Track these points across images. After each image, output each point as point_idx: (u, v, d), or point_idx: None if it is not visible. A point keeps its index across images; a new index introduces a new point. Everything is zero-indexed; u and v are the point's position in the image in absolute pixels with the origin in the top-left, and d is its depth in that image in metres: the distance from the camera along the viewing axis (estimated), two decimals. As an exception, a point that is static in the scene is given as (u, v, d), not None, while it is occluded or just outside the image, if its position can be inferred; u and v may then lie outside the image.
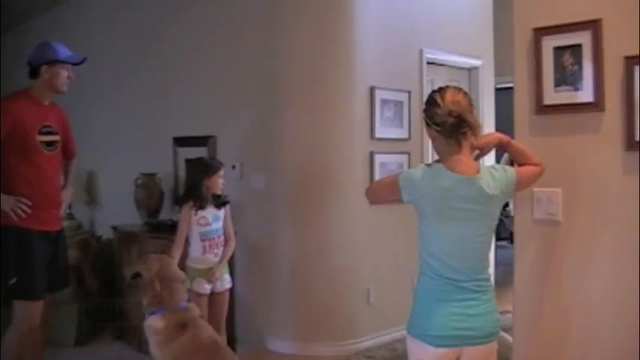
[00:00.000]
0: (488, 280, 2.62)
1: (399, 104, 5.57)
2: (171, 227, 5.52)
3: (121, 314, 5.71)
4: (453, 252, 2.53)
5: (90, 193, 7.32)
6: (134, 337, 5.56)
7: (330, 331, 5.29)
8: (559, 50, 2.92)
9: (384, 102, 5.46)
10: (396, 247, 5.55)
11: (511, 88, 7.61)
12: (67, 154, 4.43)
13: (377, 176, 5.39)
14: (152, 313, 3.70)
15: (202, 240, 4.47)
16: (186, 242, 4.52)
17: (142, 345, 5.44)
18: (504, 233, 8.97)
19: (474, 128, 2.52)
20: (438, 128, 2.52)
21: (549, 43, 2.94)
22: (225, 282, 4.61)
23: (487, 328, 2.56)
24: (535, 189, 2.96)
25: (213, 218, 4.51)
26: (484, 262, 2.62)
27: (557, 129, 2.95)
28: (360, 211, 5.33)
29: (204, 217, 4.47)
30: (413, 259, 5.68)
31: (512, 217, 10.01)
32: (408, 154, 5.70)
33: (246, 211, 5.34)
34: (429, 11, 5.94)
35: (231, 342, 5.01)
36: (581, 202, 2.90)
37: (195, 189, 4.50)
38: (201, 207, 4.46)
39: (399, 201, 2.63)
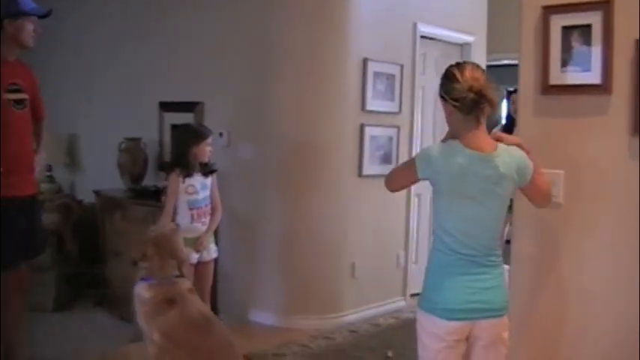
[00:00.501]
0: (499, 255, 2.61)
1: (391, 77, 5.52)
2: (155, 194, 5.47)
3: (102, 281, 5.62)
4: (467, 229, 2.51)
5: (71, 156, 7.19)
6: (115, 305, 5.50)
7: (313, 304, 5.27)
8: (567, 30, 2.85)
9: (377, 75, 5.39)
10: (383, 222, 5.53)
11: (503, 65, 7.63)
12: (36, 116, 4.18)
13: (366, 149, 5.36)
14: (142, 279, 3.61)
15: (190, 209, 4.39)
16: (173, 211, 4.44)
17: (123, 313, 5.39)
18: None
19: (494, 104, 2.50)
20: (457, 104, 2.48)
21: (558, 22, 2.87)
22: (212, 251, 4.55)
23: (499, 302, 2.56)
24: (537, 170, 2.91)
25: (201, 186, 4.44)
26: (496, 238, 2.59)
27: (563, 110, 2.89)
28: (349, 183, 5.32)
29: (192, 185, 4.39)
30: (399, 234, 5.75)
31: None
32: (398, 127, 5.66)
33: (232, 180, 5.26)
34: (423, -16, 5.85)
35: (214, 313, 4.95)
36: (583, 185, 2.86)
37: (182, 156, 4.41)
38: (189, 175, 4.37)
39: (417, 181, 2.62)
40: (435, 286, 2.54)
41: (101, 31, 6.81)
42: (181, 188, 4.37)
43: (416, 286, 5.83)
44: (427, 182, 2.58)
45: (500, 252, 2.62)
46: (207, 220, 4.46)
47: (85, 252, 5.90)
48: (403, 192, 5.74)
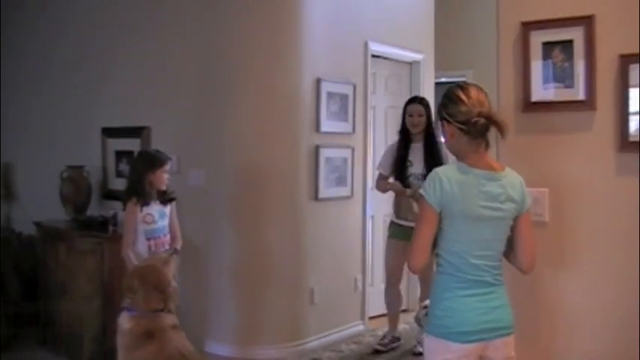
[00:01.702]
0: (502, 274, 2.56)
1: (344, 97, 5.43)
2: (102, 224, 5.23)
3: (46, 319, 5.31)
4: (476, 250, 2.45)
5: (6, 187, 6.84)
6: (61, 343, 5.20)
7: (272, 332, 5.09)
8: (548, 46, 2.83)
9: (330, 95, 5.30)
10: (340, 245, 5.43)
11: (447, 82, 7.64)
12: None
13: (322, 171, 5.23)
14: (126, 309, 3.51)
15: (148, 238, 4.18)
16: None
17: (70, 352, 5.11)
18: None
19: (504, 129, 2.43)
20: (464, 127, 2.42)
21: (538, 38, 2.84)
22: None
23: (508, 319, 2.53)
24: (521, 189, 2.85)
25: (159, 215, 4.24)
26: (500, 258, 2.55)
27: (545, 127, 2.86)
28: (305, 208, 5.19)
29: (149, 214, 4.19)
30: (356, 257, 5.64)
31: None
32: (352, 148, 5.58)
33: (184, 208, 5.00)
34: (373, 4, 5.82)
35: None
36: (568, 202, 2.83)
37: (138, 184, 4.20)
38: (146, 203, 4.16)
39: (436, 222, 2.46)
40: (447, 310, 2.47)
41: (39, 54, 6.53)
42: (139, 217, 4.15)
43: (374, 309, 5.76)
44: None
45: (502, 270, 2.56)
46: (163, 250, 4.24)
47: (26, 288, 5.57)
48: (358, 213, 5.67)
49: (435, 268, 2.59)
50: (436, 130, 4.93)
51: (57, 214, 5.75)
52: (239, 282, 5.11)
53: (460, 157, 2.49)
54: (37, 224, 5.59)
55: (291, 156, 5.13)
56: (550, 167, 2.85)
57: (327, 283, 5.32)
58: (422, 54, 6.39)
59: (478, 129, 2.41)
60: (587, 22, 2.71)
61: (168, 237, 4.29)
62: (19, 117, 6.67)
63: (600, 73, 2.71)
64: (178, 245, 4.34)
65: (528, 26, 2.85)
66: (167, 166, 4.27)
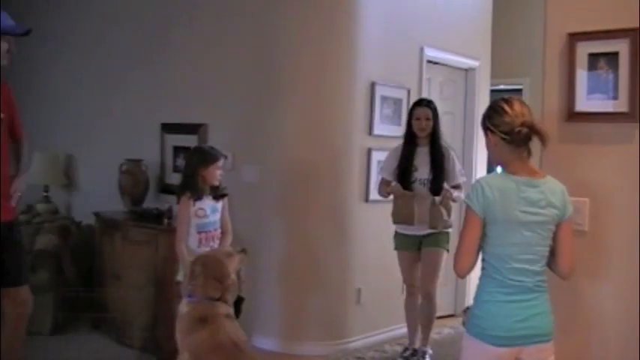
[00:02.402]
0: (545, 280, 2.66)
1: (398, 102, 5.48)
2: (157, 216, 5.38)
3: (100, 305, 5.52)
4: (518, 254, 2.58)
5: (68, 177, 7.10)
6: (114, 329, 5.40)
7: (318, 330, 5.19)
8: (594, 57, 2.85)
9: (384, 99, 5.37)
10: (388, 247, 5.45)
11: (505, 90, 7.61)
12: (14, 136, 3.99)
13: (373, 174, 5.29)
14: (187, 296, 3.69)
15: (199, 232, 4.29)
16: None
17: (121, 337, 5.30)
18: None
19: (546, 138, 2.58)
20: (507, 137, 2.58)
21: (584, 49, 2.87)
22: None
23: (546, 327, 2.63)
24: (562, 198, 2.89)
25: (211, 210, 4.35)
26: (544, 263, 2.65)
27: (588, 137, 2.89)
28: (355, 208, 5.26)
29: (201, 208, 4.30)
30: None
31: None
32: (404, 152, 5.60)
33: (236, 203, 5.14)
34: (429, 10, 5.86)
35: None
36: (609, 213, 2.85)
37: (191, 179, 4.31)
38: (199, 198, 4.29)
39: (482, 228, 2.62)
40: (485, 313, 2.61)
41: (102, 51, 6.76)
42: (191, 211, 4.28)
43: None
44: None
45: (545, 277, 2.66)
46: (215, 244, 4.35)
47: (83, 275, 5.79)
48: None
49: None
50: (441, 134, 4.83)
51: (115, 205, 5.95)
52: (287, 278, 5.22)
53: (503, 165, 2.65)
54: (96, 214, 5.79)
55: (342, 157, 5.22)
56: (591, 177, 2.88)
57: (374, 284, 5.38)
58: (478, 60, 6.39)
59: (521, 138, 2.56)
60: (632, 34, 2.73)
61: (219, 231, 4.39)
62: (82, 111, 6.91)
63: (645, 85, 2.73)
64: (228, 241, 4.43)
65: (575, 37, 2.88)
66: (220, 163, 4.35)
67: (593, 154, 2.88)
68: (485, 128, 2.69)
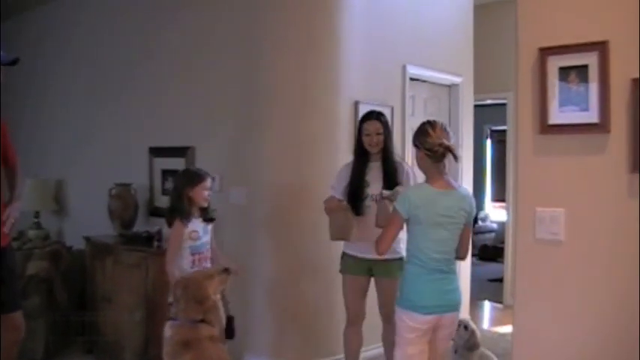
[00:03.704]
0: (455, 264, 3.58)
1: (381, 120, 5.53)
2: (147, 239, 5.43)
3: (93, 328, 5.54)
4: (436, 247, 3.42)
5: (58, 202, 7.15)
6: (106, 352, 5.43)
7: (309, 347, 5.22)
8: (565, 70, 2.90)
9: (367, 117, 5.40)
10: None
11: (486, 105, 7.69)
12: (7, 163, 4.05)
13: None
14: (170, 319, 3.78)
15: (192, 254, 4.32)
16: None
17: (112, 359, 5.32)
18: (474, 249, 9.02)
19: (457, 157, 3.46)
20: (429, 153, 3.40)
21: (555, 63, 2.92)
22: None
23: (458, 299, 3.56)
24: (538, 208, 2.97)
25: (203, 232, 4.40)
26: (453, 253, 3.53)
27: (562, 149, 2.94)
28: (342, 226, 5.28)
29: (195, 230, 4.33)
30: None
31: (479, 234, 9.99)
32: (390, 169, 5.66)
33: (225, 225, 5.22)
34: (411, 28, 5.95)
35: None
36: (584, 222, 2.89)
37: (178, 201, 4.35)
38: (188, 220, 4.32)
39: (402, 226, 3.53)
40: (413, 290, 3.43)
41: (89, 78, 6.84)
42: (185, 234, 4.29)
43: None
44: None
45: (455, 261, 3.59)
46: (207, 264, 4.40)
47: (74, 299, 5.82)
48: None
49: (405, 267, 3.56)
50: (393, 148, 4.52)
51: (105, 229, 5.99)
52: (277, 297, 5.25)
53: (426, 175, 3.49)
54: (87, 239, 5.84)
55: (328, 176, 5.24)
56: (566, 188, 2.92)
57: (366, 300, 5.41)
58: (461, 77, 6.48)
59: (439, 154, 3.39)
60: (601, 47, 2.79)
61: (209, 251, 4.44)
62: (71, 137, 6.97)
63: (614, 96, 2.78)
64: (220, 261, 4.46)
65: (545, 52, 2.94)
66: (207, 183, 4.38)
67: (567, 165, 2.93)
68: (415, 144, 3.49)
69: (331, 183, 4.68)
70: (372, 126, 4.42)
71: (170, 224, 4.36)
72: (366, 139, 4.44)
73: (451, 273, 3.50)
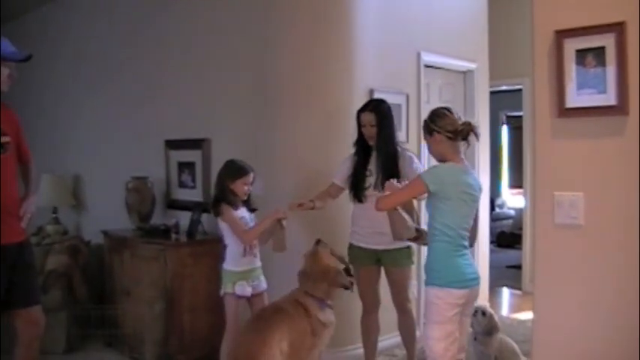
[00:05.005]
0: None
1: (397, 107, 5.50)
2: (164, 232, 5.45)
3: (112, 322, 5.57)
4: (462, 223, 3.45)
5: (76, 197, 7.18)
6: (126, 345, 5.46)
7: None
8: (581, 53, 2.87)
9: (383, 105, 5.38)
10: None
11: (502, 91, 7.62)
12: (22, 159, 4.08)
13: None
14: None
15: None
16: (223, 246, 4.52)
17: (134, 352, 5.35)
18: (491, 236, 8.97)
19: (479, 135, 3.53)
20: (451, 135, 3.44)
21: (571, 46, 2.89)
22: (263, 283, 4.62)
23: (478, 272, 3.61)
24: (556, 193, 2.94)
25: (250, 219, 4.49)
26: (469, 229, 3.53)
27: (580, 132, 2.91)
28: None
29: (242, 217, 4.42)
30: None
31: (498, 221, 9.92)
32: (406, 157, 5.63)
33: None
34: (426, 14, 5.92)
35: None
36: (603, 206, 2.86)
37: (221, 191, 4.44)
38: (235, 208, 4.39)
39: (422, 195, 3.57)
40: (445, 267, 3.41)
41: (106, 71, 6.85)
42: (236, 217, 4.37)
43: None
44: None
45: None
46: (257, 250, 4.52)
47: (94, 292, 5.86)
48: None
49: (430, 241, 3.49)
50: (392, 137, 4.49)
51: (123, 223, 6.02)
52: (296, 285, 5.23)
53: (444, 158, 3.48)
54: (105, 233, 5.87)
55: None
56: (585, 171, 2.89)
57: (382, 287, 5.38)
58: (476, 63, 6.44)
59: (463, 134, 3.44)
60: (617, 28, 2.76)
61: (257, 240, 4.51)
62: (88, 131, 7.00)
63: (632, 78, 2.75)
64: None
65: (562, 34, 2.91)
66: (248, 178, 4.45)
67: (585, 149, 2.90)
68: (431, 130, 3.48)
69: (335, 172, 4.73)
70: (366, 118, 4.46)
71: (217, 213, 4.41)
72: (363, 131, 4.51)
73: (469, 249, 3.54)
